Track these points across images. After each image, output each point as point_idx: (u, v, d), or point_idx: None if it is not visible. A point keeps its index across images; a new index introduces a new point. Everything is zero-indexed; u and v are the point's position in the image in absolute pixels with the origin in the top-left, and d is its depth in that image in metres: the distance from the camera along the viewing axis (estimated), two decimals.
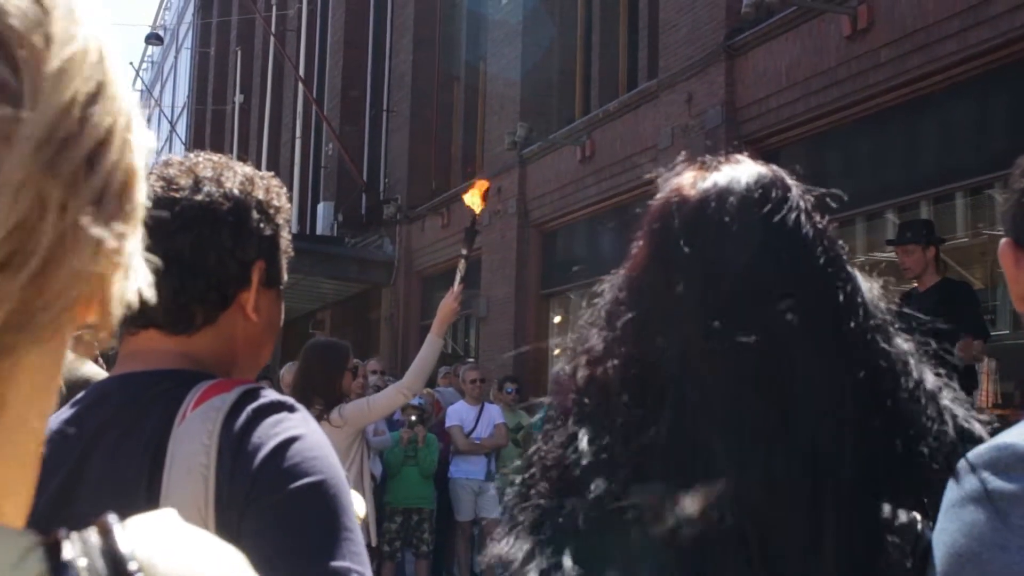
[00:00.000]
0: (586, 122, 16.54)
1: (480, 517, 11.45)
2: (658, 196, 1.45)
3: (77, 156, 0.60)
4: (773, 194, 1.40)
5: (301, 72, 27.23)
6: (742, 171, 1.43)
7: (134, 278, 0.65)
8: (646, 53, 15.69)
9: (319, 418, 6.21)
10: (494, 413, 11.64)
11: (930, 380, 1.35)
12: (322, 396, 6.46)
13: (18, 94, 0.57)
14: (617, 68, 17.12)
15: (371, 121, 25.95)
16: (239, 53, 36.51)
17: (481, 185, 6.83)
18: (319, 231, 26.15)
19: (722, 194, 1.40)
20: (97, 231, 0.61)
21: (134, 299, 0.66)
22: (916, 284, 7.71)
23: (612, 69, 17.20)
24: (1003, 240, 1.41)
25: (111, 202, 0.62)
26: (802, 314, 1.32)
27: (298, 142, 28.59)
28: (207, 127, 42.06)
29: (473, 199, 6.78)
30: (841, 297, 1.36)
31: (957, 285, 8.21)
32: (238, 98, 36.76)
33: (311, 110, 27.59)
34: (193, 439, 1.59)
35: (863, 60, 11.13)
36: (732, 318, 1.32)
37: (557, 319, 18.36)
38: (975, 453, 1.26)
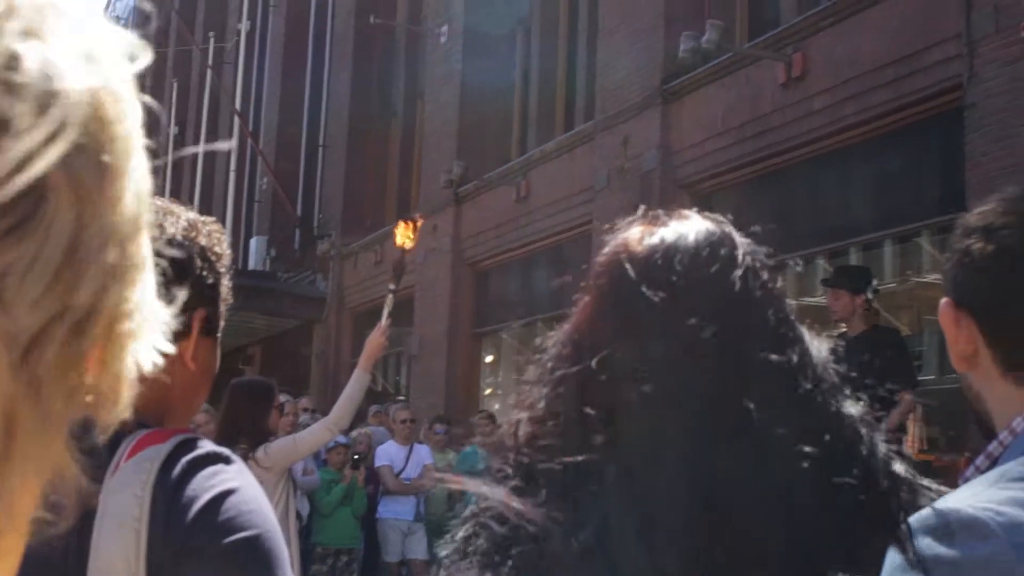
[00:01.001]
0: (522, 162, 16.59)
1: (408, 558, 11.34)
2: (605, 250, 1.41)
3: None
4: (722, 252, 1.36)
5: (237, 105, 27.09)
6: (690, 227, 1.39)
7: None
8: (584, 95, 15.78)
9: (244, 457, 6.10)
10: (423, 453, 11.56)
11: (881, 448, 1.32)
12: (248, 436, 6.35)
13: None
14: (554, 109, 17.20)
15: (307, 156, 25.85)
16: (174, 84, 36.29)
17: (413, 221, 6.79)
18: (252, 266, 25.95)
19: (669, 251, 1.36)
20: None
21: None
22: (845, 328, 7.75)
23: (549, 110, 17.27)
24: (943, 300, 1.40)
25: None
26: (752, 377, 1.29)
27: (232, 175, 28.39)
28: None
29: (406, 235, 6.73)
30: (793, 359, 1.33)
31: (887, 332, 8.29)
32: (172, 130, 36.51)
33: (247, 143, 27.45)
34: (125, 491, 1.55)
35: (797, 107, 11.25)
36: (677, 380, 1.28)
37: (489, 358, 18.34)
38: (918, 518, 1.24)
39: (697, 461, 1.25)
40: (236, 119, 26.95)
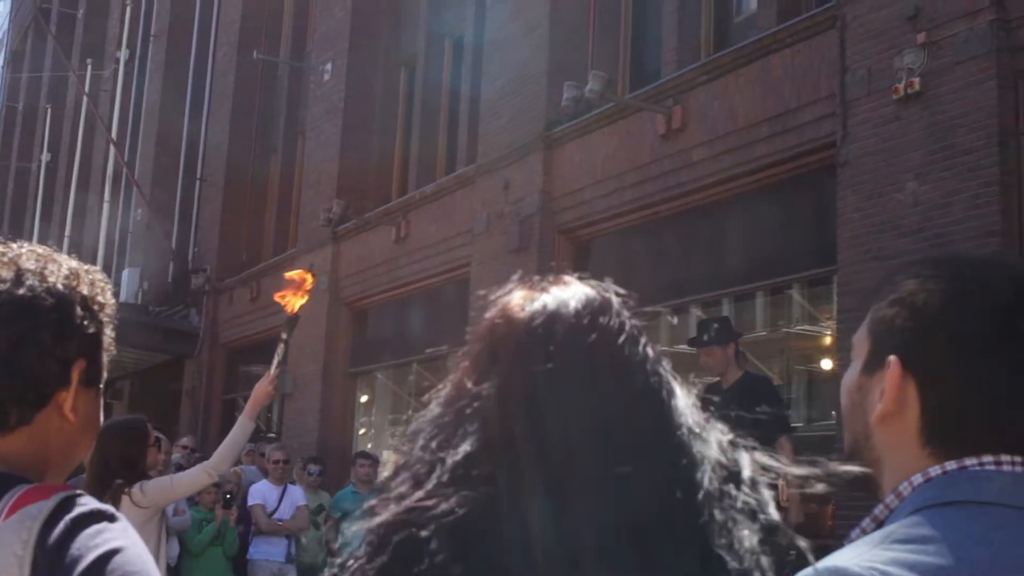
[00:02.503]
0: (402, 203, 16.58)
1: None
2: (487, 315, 1.43)
3: None
4: (600, 320, 1.39)
5: (114, 134, 26.64)
6: (570, 294, 1.41)
7: None
8: (466, 138, 15.85)
9: (119, 492, 5.98)
10: (296, 494, 11.43)
11: (747, 537, 1.35)
12: (123, 478, 6.21)
13: None
14: (436, 151, 17.23)
15: (183, 189, 25.49)
16: (49, 110, 35.54)
17: (306, 280, 6.69)
18: (123, 298, 25.40)
19: (550, 319, 1.38)
20: None
21: None
22: (719, 379, 7.87)
23: (431, 151, 17.30)
24: (893, 358, 1.42)
25: None
26: (626, 450, 1.31)
27: (106, 206, 27.86)
28: (9, 184, 40.74)
29: (298, 297, 6.60)
30: (663, 425, 1.36)
31: (759, 380, 8.44)
32: (45, 156, 35.72)
33: (121, 173, 26.98)
34: (5, 550, 1.51)
35: (676, 158, 11.45)
36: (553, 451, 1.30)
37: (364, 398, 18.23)
38: (804, 575, 1.27)
39: (567, 539, 1.27)
40: (111, 148, 26.50)
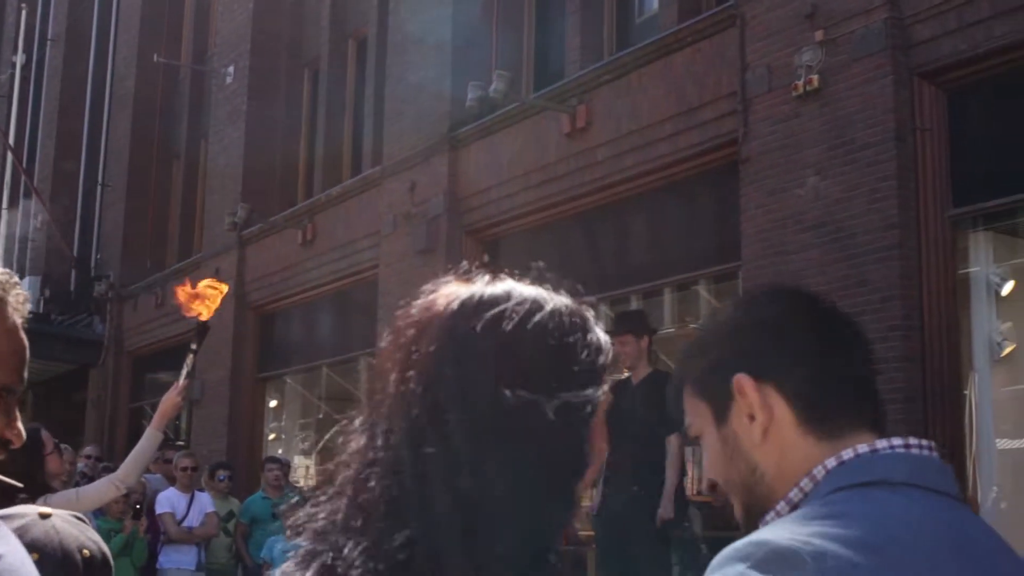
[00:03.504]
0: (308, 206, 16.48)
1: None
2: (414, 308, 1.43)
3: None
4: (536, 312, 1.39)
5: (11, 140, 26.13)
6: (496, 288, 1.42)
7: None
8: (371, 140, 15.78)
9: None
10: (205, 501, 11.30)
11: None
12: (24, 491, 6.08)
13: None
14: (341, 153, 17.14)
15: (85, 195, 25.08)
16: None
17: (216, 290, 6.60)
18: None
19: (474, 310, 1.39)
20: None
21: None
22: (629, 374, 7.94)
23: (336, 154, 17.20)
24: (739, 376, 1.45)
25: None
26: (549, 435, 1.33)
27: (4, 212, 27.33)
28: None
29: (210, 303, 6.52)
30: (550, 414, 1.37)
31: (666, 376, 8.51)
32: None
33: (20, 180, 26.48)
34: None
35: (581, 157, 11.51)
36: (476, 447, 1.31)
37: (273, 403, 18.09)
38: (733, 547, 1.29)
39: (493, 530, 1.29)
40: (8, 154, 26.00)
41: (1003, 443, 8.64)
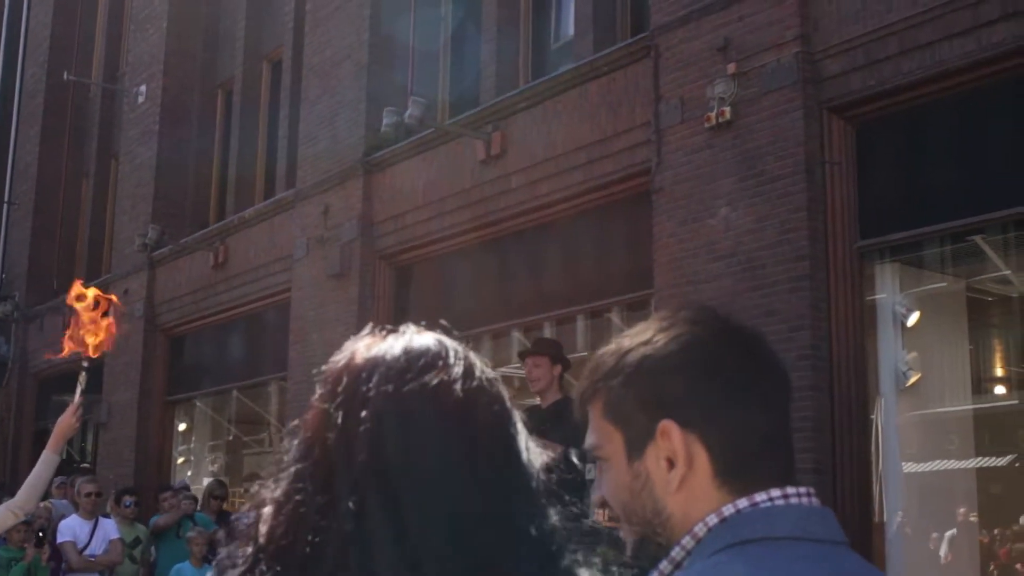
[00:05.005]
0: (220, 228, 16.32)
1: None
2: (335, 360, 1.46)
3: None
4: (439, 364, 1.42)
5: None
6: (412, 342, 1.44)
7: None
8: (284, 164, 15.68)
9: None
10: (109, 528, 11.08)
11: (566, 560, 1.39)
12: None
13: None
14: (255, 175, 17.01)
15: None
16: None
17: (103, 329, 6.50)
18: None
19: (391, 363, 1.41)
20: None
21: None
22: (539, 400, 7.94)
23: (249, 176, 17.07)
24: (666, 423, 1.43)
25: None
26: (475, 491, 1.34)
27: None
28: None
29: (98, 338, 6.43)
30: (505, 471, 1.39)
31: (573, 402, 8.53)
32: None
33: None
34: None
35: (496, 184, 11.54)
36: (392, 494, 1.33)
37: (182, 426, 17.85)
38: None
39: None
40: None
41: (908, 467, 8.79)
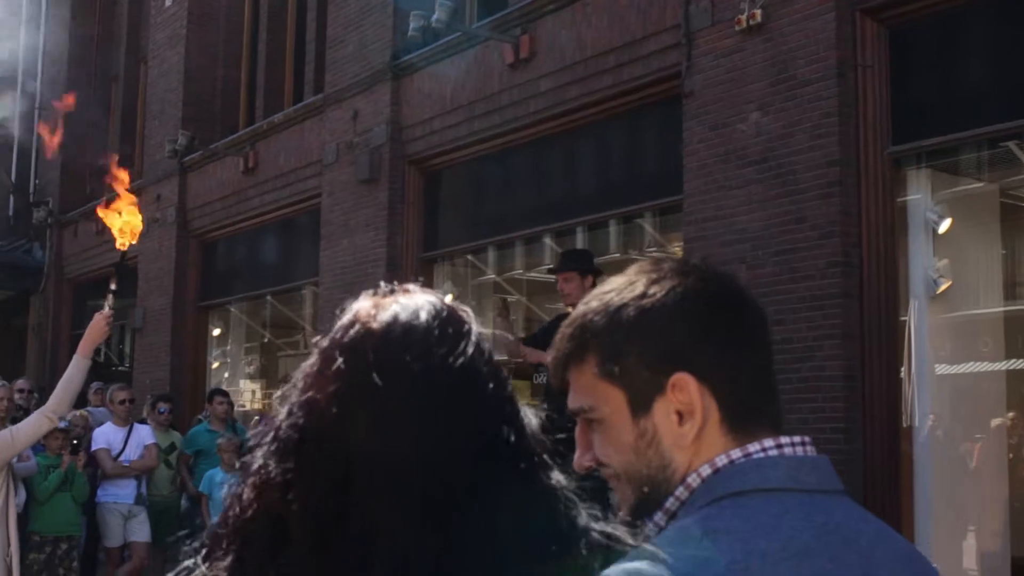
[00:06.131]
0: (250, 133, 16.28)
1: (129, 541, 11.06)
2: (340, 324, 1.42)
3: None
4: (450, 331, 1.40)
5: None
6: (420, 305, 1.42)
7: None
8: (313, 67, 15.58)
9: None
10: (144, 434, 11.25)
11: (581, 520, 1.39)
12: None
13: None
14: (283, 80, 16.92)
15: (21, 121, 24.63)
16: None
17: (132, 222, 6.54)
18: None
19: (406, 331, 1.39)
20: None
21: None
22: (571, 310, 7.95)
23: (278, 81, 16.98)
24: (682, 376, 1.40)
25: None
26: (479, 455, 1.33)
27: None
28: None
29: (126, 231, 6.48)
30: (512, 436, 1.38)
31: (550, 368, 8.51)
32: None
33: None
34: None
35: (524, 88, 11.43)
36: (415, 455, 1.32)
37: (216, 332, 17.99)
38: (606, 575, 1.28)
39: (416, 543, 1.29)
40: None
41: (940, 368, 8.76)
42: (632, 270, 1.48)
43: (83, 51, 22.29)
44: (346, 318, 1.42)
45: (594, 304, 1.46)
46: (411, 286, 1.47)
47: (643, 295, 1.43)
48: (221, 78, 17.97)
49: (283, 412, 1.39)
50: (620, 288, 1.45)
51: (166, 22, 18.61)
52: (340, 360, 1.37)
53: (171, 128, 17.55)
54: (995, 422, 9.09)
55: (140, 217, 7.02)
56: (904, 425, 8.43)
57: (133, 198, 7.12)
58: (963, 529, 8.83)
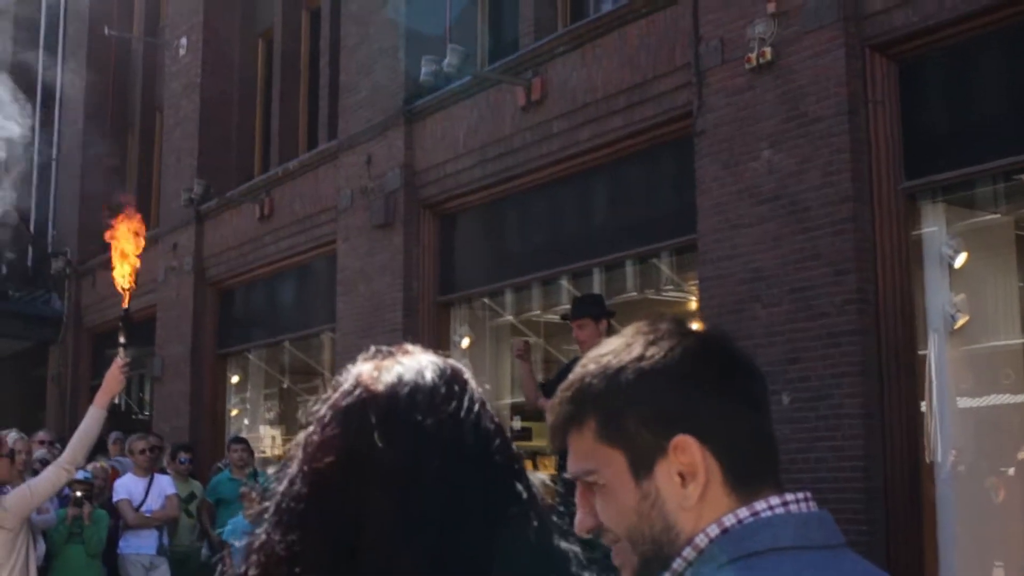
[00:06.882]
0: (265, 180, 16.36)
1: None
2: (341, 388, 1.41)
3: None
4: (456, 388, 1.39)
5: None
6: (424, 364, 1.41)
7: None
8: (326, 113, 15.66)
9: None
10: (164, 484, 11.24)
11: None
12: None
13: None
14: (297, 127, 17.01)
15: (39, 170, 24.80)
16: None
17: (127, 258, 6.56)
18: None
19: (412, 391, 1.38)
20: None
21: None
22: None
23: (292, 128, 17.07)
24: (684, 438, 1.39)
25: None
26: (490, 514, 1.33)
27: None
28: None
29: (122, 271, 6.49)
30: (523, 493, 1.38)
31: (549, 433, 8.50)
32: None
33: None
34: None
35: (537, 130, 11.47)
36: (428, 516, 1.31)
37: (235, 379, 18.01)
38: None
39: None
40: None
41: (962, 402, 8.71)
42: (629, 331, 1.47)
43: (99, 100, 22.42)
44: (347, 383, 1.42)
45: (592, 367, 1.46)
46: (410, 346, 1.46)
47: (641, 357, 1.43)
48: (236, 126, 18.07)
49: (284, 483, 1.38)
50: (617, 351, 1.45)
51: (181, 71, 18.75)
52: (343, 426, 1.37)
53: (187, 177, 17.64)
54: (1020, 455, 9.02)
55: (134, 247, 6.99)
56: (926, 461, 8.37)
57: (133, 236, 7.09)
58: (989, 565, 8.75)
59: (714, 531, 1.38)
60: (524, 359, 8.14)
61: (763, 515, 1.38)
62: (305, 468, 1.37)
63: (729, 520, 1.38)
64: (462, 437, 1.36)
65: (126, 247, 6.76)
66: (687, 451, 1.39)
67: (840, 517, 1.44)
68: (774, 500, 1.39)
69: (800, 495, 1.41)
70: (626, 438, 1.42)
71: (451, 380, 1.41)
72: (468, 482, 1.34)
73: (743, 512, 1.38)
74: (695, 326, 1.51)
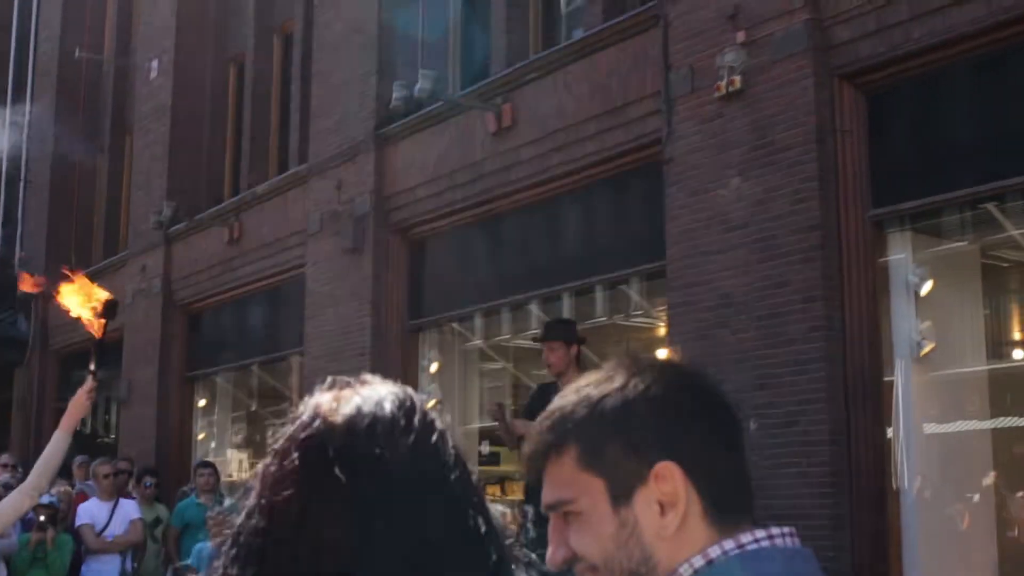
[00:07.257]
0: (235, 203, 16.31)
1: None
2: (299, 420, 1.40)
3: None
4: (415, 420, 1.39)
5: None
6: (383, 395, 1.41)
7: None
8: (297, 137, 15.64)
9: None
10: (129, 508, 11.17)
11: None
12: None
13: None
14: (267, 150, 16.98)
15: (7, 190, 24.64)
16: None
17: (90, 296, 6.52)
18: None
19: (371, 423, 1.37)
20: None
21: None
22: (558, 380, 7.94)
23: (262, 151, 17.03)
24: (666, 464, 1.39)
25: None
26: (451, 545, 1.33)
27: None
28: None
29: (91, 317, 6.45)
30: (482, 526, 1.37)
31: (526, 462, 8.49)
32: None
33: None
34: None
35: (507, 156, 11.50)
36: (388, 549, 1.31)
37: (202, 403, 17.91)
38: None
39: None
40: None
41: (928, 427, 8.75)
42: (609, 366, 1.48)
43: (69, 122, 22.31)
44: (306, 415, 1.40)
45: (572, 397, 1.46)
46: (368, 376, 1.46)
47: (624, 387, 1.43)
48: (206, 149, 18.02)
49: (241, 516, 1.37)
50: (598, 382, 1.46)
51: (152, 93, 18.69)
52: (302, 458, 1.36)
53: (156, 199, 17.58)
54: (986, 481, 9.08)
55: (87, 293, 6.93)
56: (893, 487, 8.41)
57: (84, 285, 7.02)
58: None
59: (699, 562, 1.38)
60: (500, 420, 8.11)
61: (749, 548, 1.38)
62: (263, 501, 1.36)
63: (714, 551, 1.38)
64: (422, 469, 1.36)
65: (80, 300, 6.70)
66: (669, 478, 1.40)
67: (806, 544, 1.44)
68: (759, 533, 1.39)
69: (786, 529, 1.41)
70: (607, 466, 1.42)
71: (411, 411, 1.40)
72: (427, 514, 1.33)
73: (728, 544, 1.38)
74: (673, 359, 1.53)
